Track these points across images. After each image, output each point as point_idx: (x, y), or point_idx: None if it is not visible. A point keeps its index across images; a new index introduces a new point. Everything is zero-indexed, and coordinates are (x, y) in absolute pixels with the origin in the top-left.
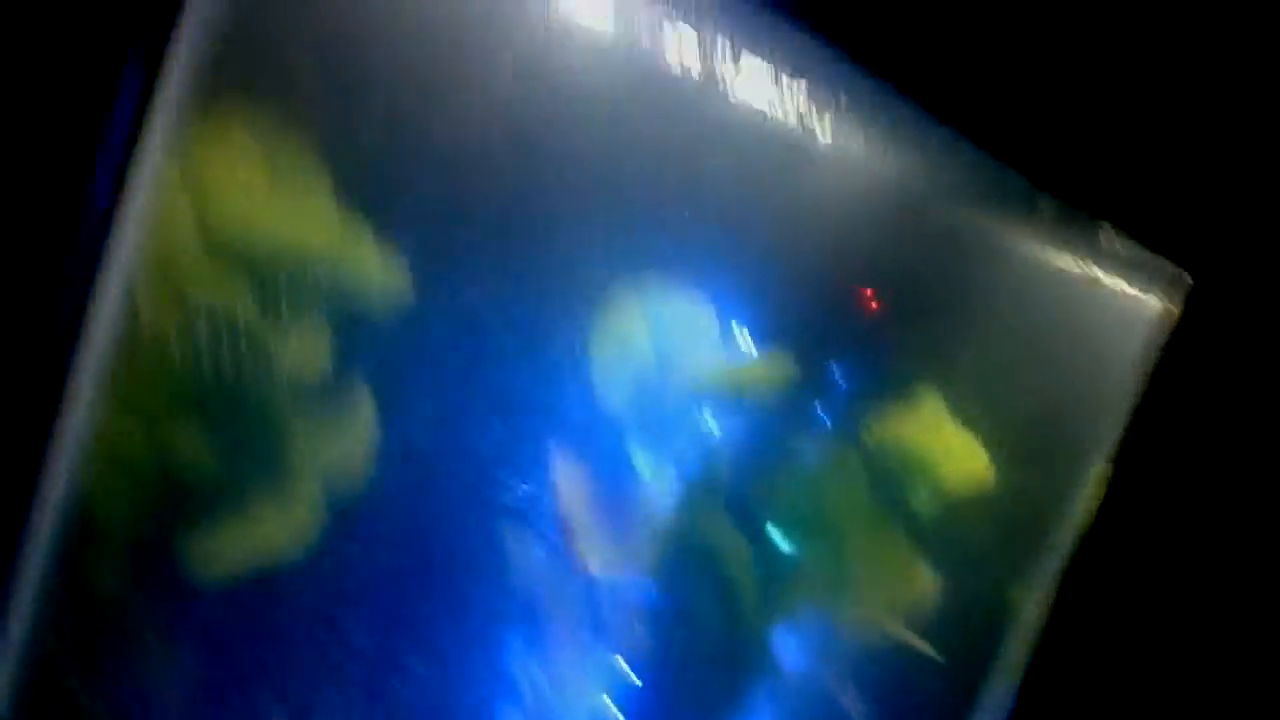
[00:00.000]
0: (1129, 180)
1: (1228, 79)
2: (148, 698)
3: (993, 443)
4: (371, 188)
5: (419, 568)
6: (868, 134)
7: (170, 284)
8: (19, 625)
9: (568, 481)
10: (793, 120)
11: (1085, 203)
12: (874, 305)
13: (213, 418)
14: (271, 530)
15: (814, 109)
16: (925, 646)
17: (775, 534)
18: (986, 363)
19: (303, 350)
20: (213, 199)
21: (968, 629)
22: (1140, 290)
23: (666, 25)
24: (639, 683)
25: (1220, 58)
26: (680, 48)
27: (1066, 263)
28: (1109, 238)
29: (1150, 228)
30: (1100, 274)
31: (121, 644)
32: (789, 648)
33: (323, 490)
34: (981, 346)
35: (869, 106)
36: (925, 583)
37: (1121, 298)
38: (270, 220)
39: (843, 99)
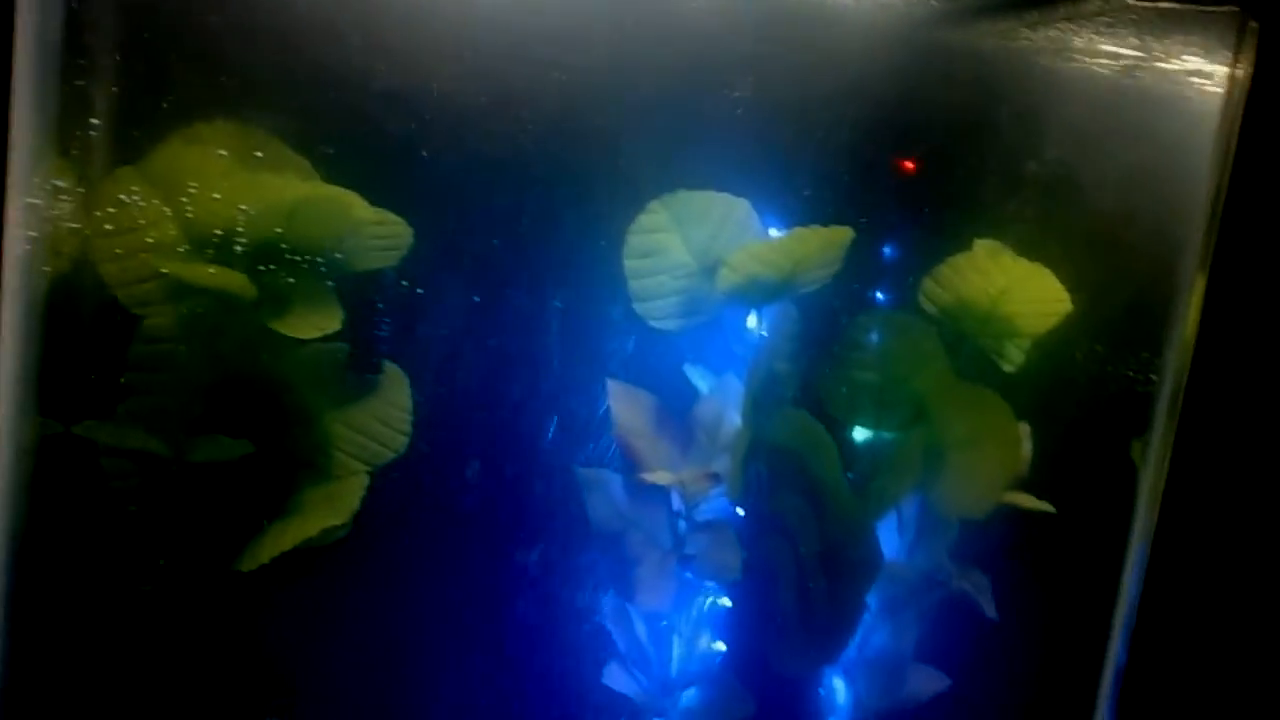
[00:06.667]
0: None
1: None
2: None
3: (1071, 272)
4: (361, 153)
5: (483, 525)
6: None
7: (161, 283)
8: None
9: (626, 408)
10: None
11: None
12: (909, 166)
13: (241, 415)
14: (318, 520)
15: None
16: (1041, 505)
17: (857, 423)
18: (1043, 189)
19: (316, 324)
20: (179, 185)
21: (1086, 487)
22: (1201, 54)
23: None
24: (732, 604)
25: None
26: None
27: (1108, 50)
28: (1146, 2)
29: None
30: (1149, 49)
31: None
32: (892, 537)
33: (366, 470)
34: (1035, 174)
35: None
36: (1024, 446)
37: (1182, 71)
38: (244, 198)
39: None
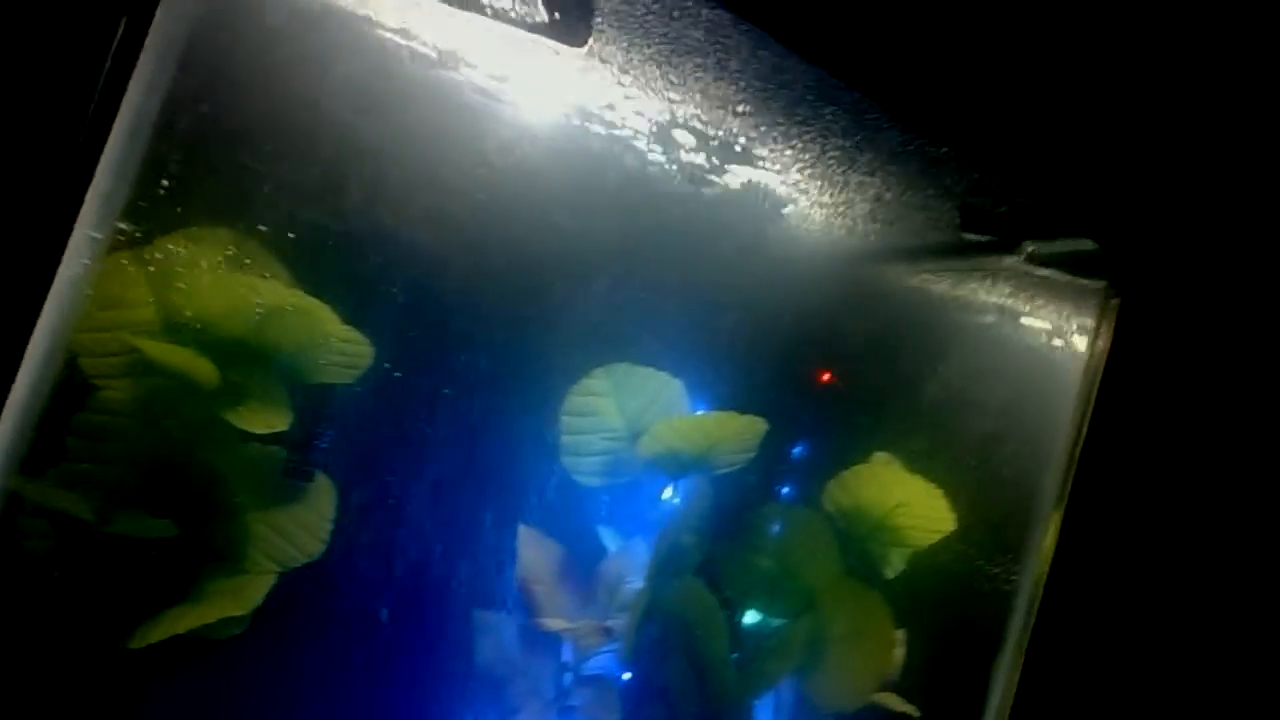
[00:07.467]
0: (1048, 203)
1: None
2: None
3: (950, 494)
4: (338, 274)
5: (376, 643)
6: (817, 215)
7: (127, 355)
8: None
9: (533, 555)
10: (748, 203)
11: (1006, 230)
12: (829, 379)
13: (169, 496)
14: (219, 609)
15: (766, 190)
16: (907, 708)
17: (749, 605)
18: (933, 418)
19: (263, 424)
20: (170, 282)
21: (943, 691)
22: (1071, 318)
23: (630, 123)
24: None
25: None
26: (643, 139)
27: (994, 303)
28: (1032, 268)
29: (1073, 254)
30: (1028, 309)
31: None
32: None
33: (276, 570)
34: (927, 402)
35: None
36: (899, 645)
37: (1052, 330)
38: (226, 296)
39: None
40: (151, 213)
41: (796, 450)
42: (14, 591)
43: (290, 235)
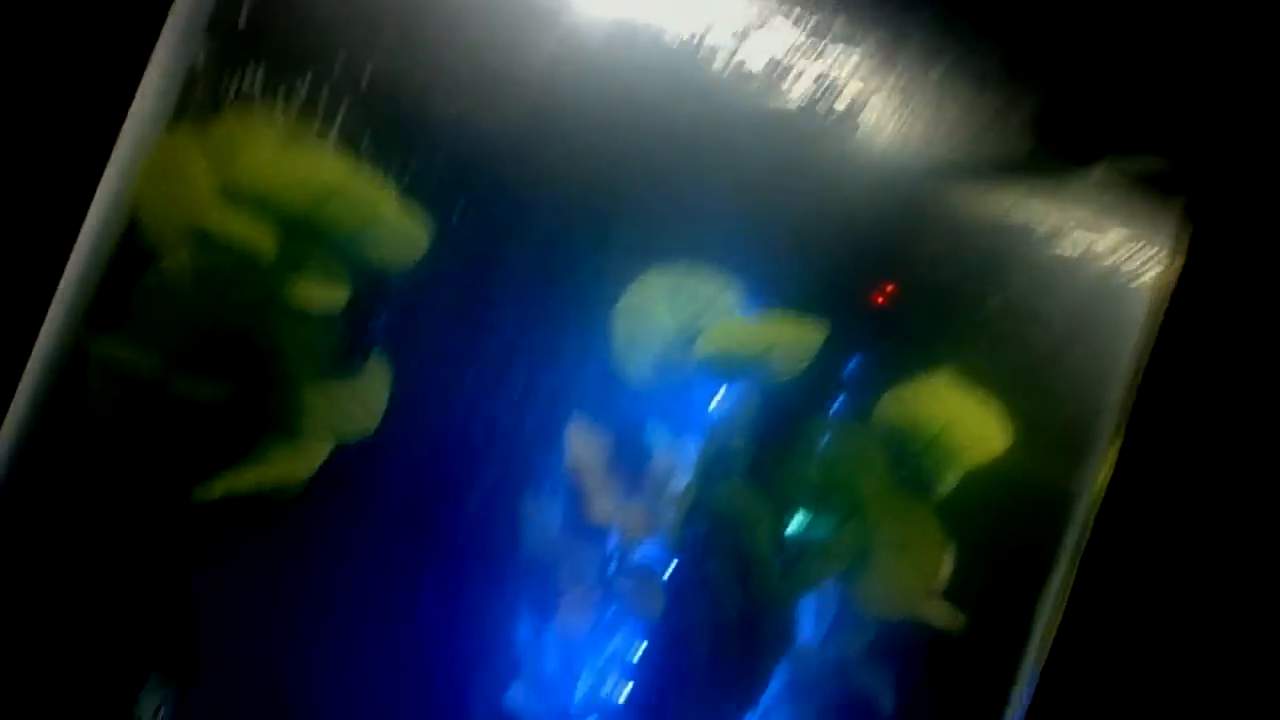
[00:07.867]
0: (1124, 122)
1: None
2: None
3: (1005, 418)
4: (400, 152)
5: (425, 523)
6: (880, 117)
7: (188, 225)
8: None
9: (582, 445)
10: (813, 105)
11: (1081, 148)
12: (889, 291)
13: (227, 362)
14: (277, 472)
15: (833, 92)
16: (949, 620)
17: (796, 507)
18: (994, 338)
19: (322, 300)
20: (229, 149)
21: (987, 612)
22: (1142, 239)
23: (698, 20)
24: (648, 647)
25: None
26: (705, 35)
27: (1064, 222)
28: (1107, 186)
29: (1148, 173)
30: (1099, 228)
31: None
32: (808, 622)
33: (332, 441)
34: (989, 321)
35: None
36: (946, 561)
37: (1123, 252)
38: (287, 171)
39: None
40: (211, 83)
41: (851, 361)
42: (80, 446)
43: (355, 116)
